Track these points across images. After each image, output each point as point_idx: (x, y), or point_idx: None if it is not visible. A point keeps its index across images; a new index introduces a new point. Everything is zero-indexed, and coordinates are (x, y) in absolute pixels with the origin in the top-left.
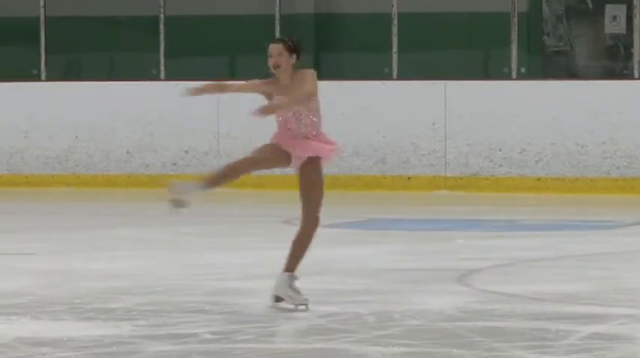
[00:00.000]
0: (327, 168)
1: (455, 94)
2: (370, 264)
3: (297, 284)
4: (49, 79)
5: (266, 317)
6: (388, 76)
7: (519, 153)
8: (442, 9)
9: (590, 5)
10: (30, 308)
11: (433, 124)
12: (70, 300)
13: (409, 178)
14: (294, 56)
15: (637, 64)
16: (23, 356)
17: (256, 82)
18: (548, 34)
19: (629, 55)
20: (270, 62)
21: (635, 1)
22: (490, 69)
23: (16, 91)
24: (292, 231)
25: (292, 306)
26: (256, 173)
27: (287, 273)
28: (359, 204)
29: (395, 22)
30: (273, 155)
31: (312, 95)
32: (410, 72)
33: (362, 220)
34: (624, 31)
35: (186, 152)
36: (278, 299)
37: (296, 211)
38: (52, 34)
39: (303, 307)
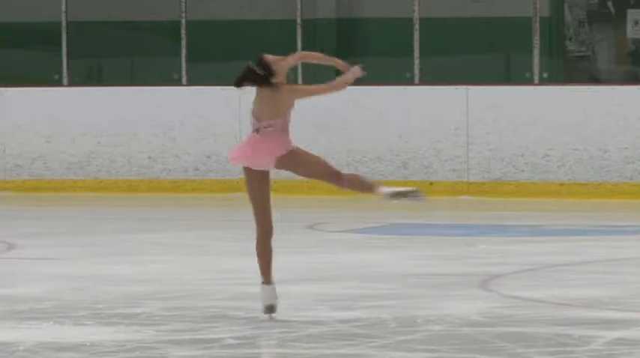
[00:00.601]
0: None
1: (477, 99)
2: (392, 269)
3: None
4: (70, 84)
5: (289, 322)
6: (410, 81)
7: (542, 158)
8: (464, 14)
9: (612, 10)
10: (52, 313)
11: (455, 129)
12: (93, 305)
13: (431, 183)
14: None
15: None
16: None
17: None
18: (570, 39)
19: None
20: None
21: None
22: (512, 74)
23: (38, 96)
24: (316, 236)
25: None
26: (280, 177)
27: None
28: (381, 209)
29: (417, 26)
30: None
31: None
32: (432, 77)
33: (384, 225)
34: None
35: (208, 157)
36: (272, 309)
37: (320, 216)
38: (73, 39)
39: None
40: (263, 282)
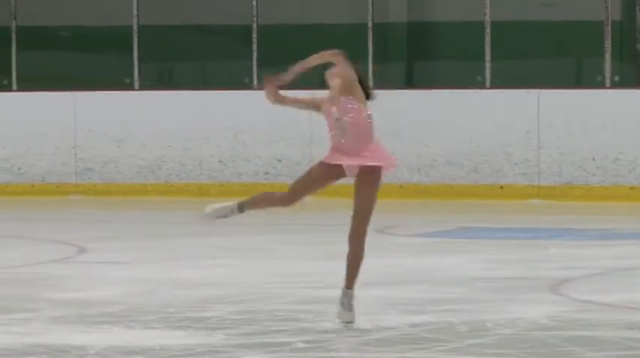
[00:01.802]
0: (419, 177)
1: (548, 103)
2: (463, 273)
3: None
4: (142, 87)
5: (358, 326)
6: (481, 85)
7: (613, 161)
8: (535, 17)
9: None
10: (122, 316)
11: (526, 133)
12: (162, 309)
13: (502, 187)
14: None
15: None
16: None
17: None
18: None
19: None
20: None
21: None
22: (583, 77)
23: (109, 100)
24: (386, 240)
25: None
26: (348, 181)
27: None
28: (452, 213)
29: (488, 30)
30: (320, 176)
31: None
32: (503, 80)
33: (455, 229)
34: None
35: (279, 160)
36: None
37: (389, 220)
38: (145, 43)
39: (351, 324)
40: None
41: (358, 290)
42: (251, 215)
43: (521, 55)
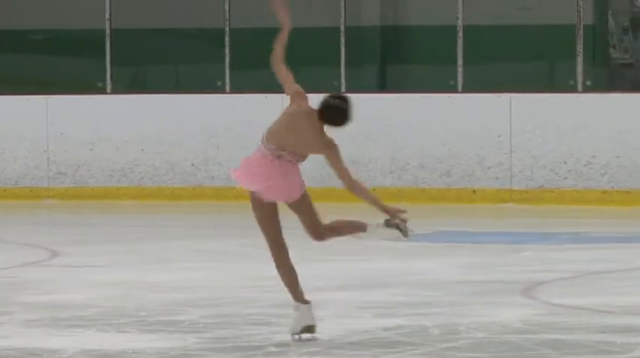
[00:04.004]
0: (392, 181)
1: (520, 107)
2: (436, 277)
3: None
4: (114, 91)
5: (332, 330)
6: (453, 89)
7: (585, 165)
8: (507, 21)
9: None
10: (95, 320)
11: (498, 137)
12: (136, 313)
13: (474, 191)
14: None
15: None
16: None
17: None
18: (613, 47)
19: None
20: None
21: None
22: (556, 81)
23: (82, 104)
24: (360, 244)
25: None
26: (320, 185)
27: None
28: (424, 217)
29: (460, 34)
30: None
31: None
32: (475, 84)
33: (427, 233)
34: None
35: None
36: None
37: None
38: (117, 47)
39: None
40: (298, 302)
41: (331, 294)
42: (223, 219)
43: (494, 59)
